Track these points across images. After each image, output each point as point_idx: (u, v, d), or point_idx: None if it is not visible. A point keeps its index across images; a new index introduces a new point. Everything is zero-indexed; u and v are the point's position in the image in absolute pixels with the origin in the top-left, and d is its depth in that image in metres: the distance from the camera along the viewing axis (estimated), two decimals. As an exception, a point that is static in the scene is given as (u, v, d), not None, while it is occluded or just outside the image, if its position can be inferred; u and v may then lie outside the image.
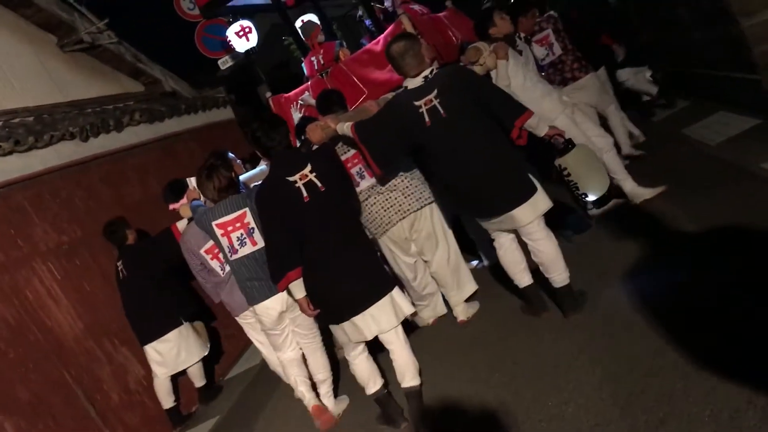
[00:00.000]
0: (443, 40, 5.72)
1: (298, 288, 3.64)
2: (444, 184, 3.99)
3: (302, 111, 5.77)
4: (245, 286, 4.17)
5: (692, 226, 4.17)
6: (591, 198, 3.93)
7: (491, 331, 4.35)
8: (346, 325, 3.64)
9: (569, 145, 3.76)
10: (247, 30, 7.11)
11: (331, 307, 3.66)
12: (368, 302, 3.57)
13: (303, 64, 6.37)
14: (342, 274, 3.56)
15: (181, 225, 5.02)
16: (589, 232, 4.96)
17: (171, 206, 5.08)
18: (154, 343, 5.34)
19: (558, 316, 3.94)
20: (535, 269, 4.03)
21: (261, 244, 4.01)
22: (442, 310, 4.91)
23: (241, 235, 4.08)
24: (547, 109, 4.60)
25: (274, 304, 4.14)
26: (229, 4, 6.64)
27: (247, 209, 4.08)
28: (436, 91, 3.61)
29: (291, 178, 3.56)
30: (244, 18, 7.03)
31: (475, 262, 5.42)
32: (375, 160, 3.83)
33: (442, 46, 5.63)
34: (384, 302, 3.60)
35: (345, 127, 3.88)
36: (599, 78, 5.95)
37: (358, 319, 3.59)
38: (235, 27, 7.04)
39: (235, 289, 4.44)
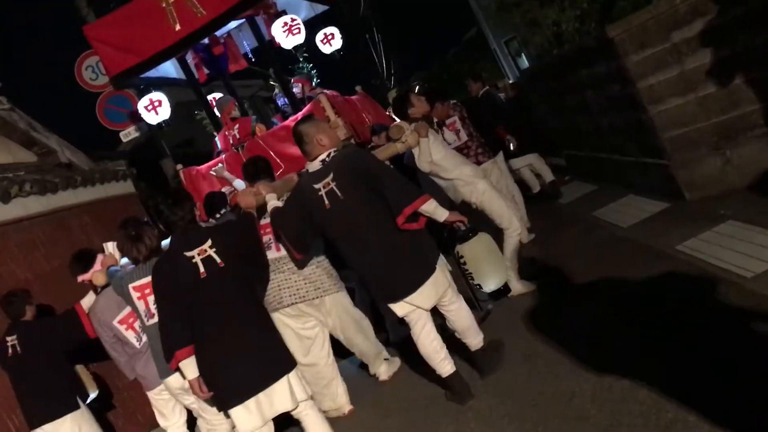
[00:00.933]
0: (358, 120, 6.03)
1: (190, 368, 3.47)
2: (350, 266, 3.99)
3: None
4: (158, 358, 3.98)
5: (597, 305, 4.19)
6: (485, 289, 3.94)
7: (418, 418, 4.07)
8: (238, 409, 3.46)
9: (470, 233, 3.78)
10: (156, 103, 6.65)
11: (222, 390, 3.49)
12: (261, 385, 3.44)
13: (216, 139, 6.44)
14: (234, 354, 3.44)
15: (86, 302, 4.77)
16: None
17: (80, 278, 4.81)
18: (46, 426, 4.78)
19: (484, 403, 3.75)
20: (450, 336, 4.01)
21: None
22: (343, 401, 4.60)
23: None
24: (467, 174, 4.80)
25: (175, 382, 4.05)
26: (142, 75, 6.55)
27: None
28: (332, 174, 3.65)
29: (189, 254, 3.51)
30: (155, 90, 6.79)
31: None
32: (293, 244, 3.91)
33: (358, 126, 5.96)
34: (280, 385, 3.48)
35: (270, 204, 3.98)
36: (498, 163, 6.30)
37: (250, 403, 3.44)
38: (144, 101, 6.66)
39: (150, 360, 4.29)
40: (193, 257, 3.49)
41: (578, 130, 7.53)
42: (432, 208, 3.60)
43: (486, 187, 4.83)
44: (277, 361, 3.54)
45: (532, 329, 4.32)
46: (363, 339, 4.66)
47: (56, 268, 6.23)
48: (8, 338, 4.87)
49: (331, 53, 7.06)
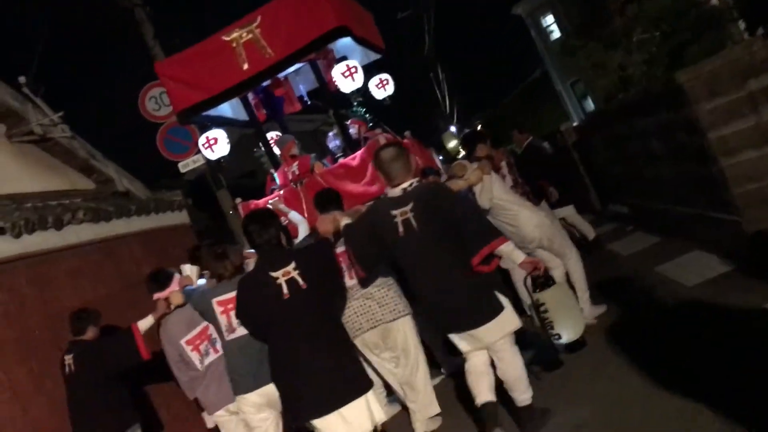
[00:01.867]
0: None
1: None
2: (413, 294, 4.07)
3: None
4: (238, 371, 4.13)
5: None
6: (563, 340, 3.88)
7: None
8: (316, 423, 3.56)
9: (549, 281, 3.77)
10: (212, 141, 6.91)
11: (300, 404, 3.61)
12: (338, 402, 3.51)
13: (273, 173, 6.73)
14: (313, 373, 3.53)
15: (143, 324, 4.84)
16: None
17: (156, 296, 4.88)
18: None
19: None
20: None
21: None
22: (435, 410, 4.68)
23: None
24: (529, 206, 5.17)
25: (262, 397, 4.09)
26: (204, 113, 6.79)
27: None
28: (412, 204, 3.69)
29: (274, 274, 3.62)
30: (215, 127, 7.01)
31: (439, 378, 5.27)
32: (359, 262, 3.99)
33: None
34: (358, 403, 3.54)
35: (343, 223, 4.13)
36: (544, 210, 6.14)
37: (329, 418, 3.51)
38: (202, 139, 6.93)
39: (212, 384, 4.45)
40: (277, 278, 3.60)
41: (642, 178, 7.18)
42: (509, 250, 3.66)
43: (547, 220, 5.13)
44: (355, 380, 3.61)
45: (584, 397, 4.05)
46: (420, 373, 4.64)
47: (102, 297, 6.24)
48: (66, 356, 4.92)
49: (383, 99, 7.26)
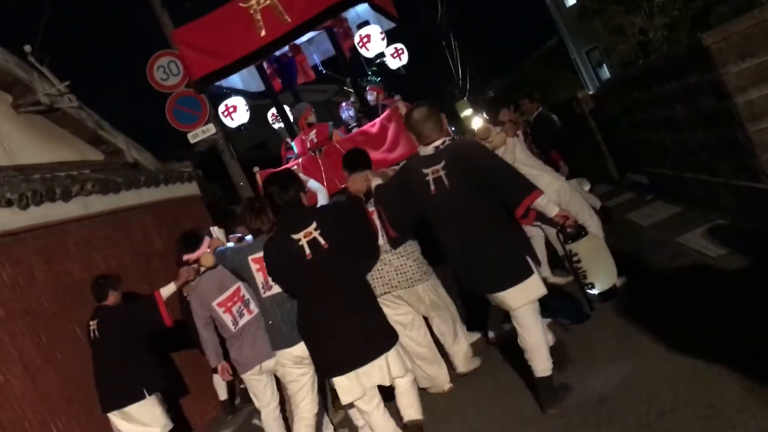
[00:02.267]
0: None
1: None
2: (444, 252, 4.00)
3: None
4: (275, 328, 4.15)
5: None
6: (597, 290, 3.80)
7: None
8: (339, 380, 3.67)
9: (582, 231, 3.74)
10: (231, 109, 7.14)
11: (327, 361, 3.74)
12: (362, 360, 3.61)
13: (292, 143, 6.73)
14: (339, 331, 3.62)
15: (165, 291, 4.86)
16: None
17: (186, 256, 4.89)
18: (115, 413, 4.93)
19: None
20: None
21: None
22: (441, 380, 4.80)
23: None
24: (549, 171, 5.42)
25: (299, 350, 4.06)
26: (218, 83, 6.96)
27: None
28: (444, 162, 3.67)
29: (295, 236, 3.66)
30: (234, 95, 7.22)
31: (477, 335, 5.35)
32: (390, 222, 4.06)
33: None
34: (378, 362, 3.64)
35: (374, 184, 4.18)
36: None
37: (351, 375, 3.62)
38: (221, 107, 7.17)
39: (245, 344, 4.51)
40: (299, 240, 3.64)
41: (664, 146, 6.96)
42: (545, 203, 3.62)
43: (567, 186, 5.31)
44: (376, 340, 3.68)
45: (607, 371, 3.94)
46: (443, 322, 4.75)
47: (113, 268, 6.19)
48: (91, 322, 5.00)
49: (398, 68, 7.40)
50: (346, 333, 3.62)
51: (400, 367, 3.73)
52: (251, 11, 6.13)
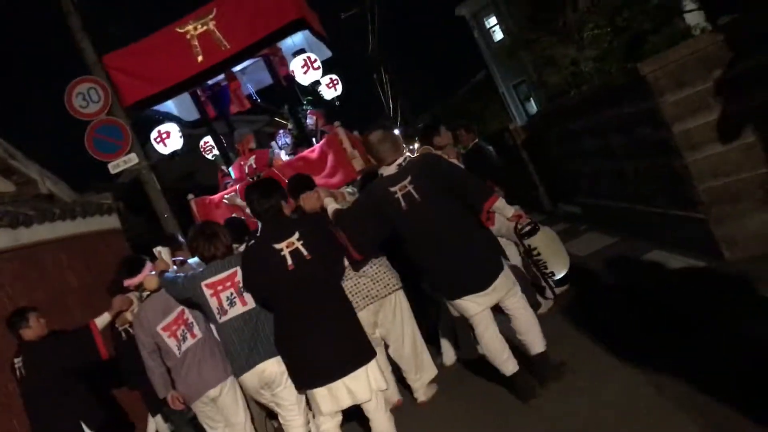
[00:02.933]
0: (367, 157, 6.19)
1: None
2: (422, 266, 4.10)
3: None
4: (234, 353, 4.03)
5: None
6: (558, 276, 4.11)
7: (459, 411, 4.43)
8: (319, 391, 3.63)
9: (536, 227, 3.97)
10: (164, 135, 7.16)
11: (307, 372, 3.69)
12: (343, 371, 3.58)
13: (230, 169, 6.78)
14: (320, 342, 3.60)
15: (100, 322, 4.75)
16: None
17: (127, 282, 4.84)
18: None
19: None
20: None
21: (251, 304, 3.97)
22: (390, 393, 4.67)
23: (231, 294, 4.00)
24: None
25: (257, 375, 3.97)
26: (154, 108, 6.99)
27: (238, 268, 4.00)
28: (409, 177, 3.83)
29: (277, 246, 3.64)
30: (167, 121, 7.25)
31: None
32: (354, 246, 3.99)
33: (366, 161, 6.19)
34: (359, 373, 3.60)
35: (330, 207, 4.14)
36: None
37: (332, 387, 3.60)
38: (154, 133, 7.17)
39: (191, 371, 4.35)
40: (281, 249, 3.63)
41: (598, 176, 6.98)
42: (502, 205, 3.85)
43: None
44: (358, 351, 3.67)
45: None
46: (410, 346, 4.70)
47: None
48: (15, 360, 4.71)
49: (333, 98, 7.53)
50: (327, 344, 3.60)
51: (381, 380, 3.73)
52: (188, 36, 6.16)
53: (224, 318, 4.01)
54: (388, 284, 4.54)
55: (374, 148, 4.00)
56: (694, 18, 6.13)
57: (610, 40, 7.02)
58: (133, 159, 8.79)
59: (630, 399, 3.50)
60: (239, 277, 3.98)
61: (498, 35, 22.95)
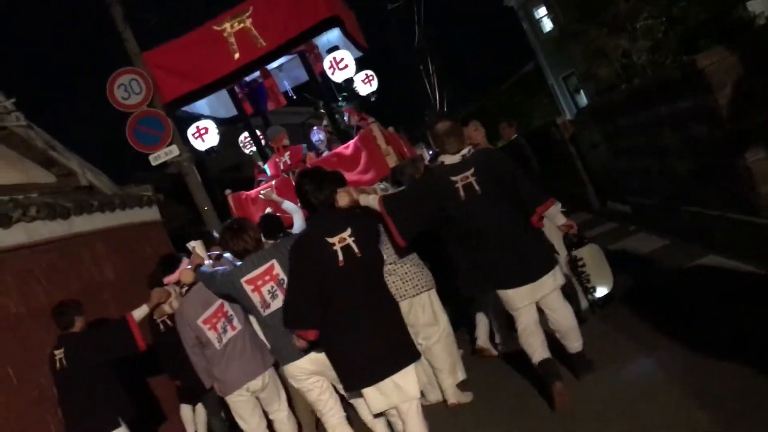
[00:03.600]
0: (401, 153, 6.41)
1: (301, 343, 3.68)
2: (472, 258, 4.12)
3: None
4: (280, 344, 4.02)
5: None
6: (599, 293, 4.22)
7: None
8: (369, 390, 3.56)
9: (584, 239, 4.11)
10: (203, 131, 7.15)
11: (355, 372, 3.59)
12: (392, 370, 3.52)
13: (265, 166, 6.79)
14: (368, 341, 3.54)
15: (138, 313, 4.78)
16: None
17: (166, 279, 4.95)
18: None
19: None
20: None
21: None
22: None
23: (272, 287, 4.01)
24: None
25: (312, 362, 3.97)
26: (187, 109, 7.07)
27: (275, 261, 4.03)
28: (473, 169, 3.87)
29: (330, 240, 3.55)
30: (204, 119, 7.25)
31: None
32: (400, 231, 3.99)
33: (400, 158, 6.24)
34: (408, 370, 3.56)
35: (370, 199, 4.07)
36: None
37: (382, 385, 3.53)
38: (192, 129, 7.17)
39: (231, 363, 4.42)
40: (333, 244, 3.53)
41: (649, 174, 6.63)
42: (555, 212, 4.02)
43: None
44: (406, 349, 3.63)
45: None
46: (443, 345, 4.69)
47: (56, 300, 5.63)
48: (56, 351, 4.71)
49: (368, 94, 7.41)
50: (376, 343, 3.55)
51: (423, 377, 3.76)
52: (225, 34, 6.19)
53: (268, 311, 4.03)
54: (417, 284, 4.54)
55: (440, 138, 4.03)
56: (758, 5, 5.72)
57: (664, 30, 6.66)
58: (174, 151, 8.77)
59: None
60: (277, 270, 4.02)
61: (547, 26, 22.46)
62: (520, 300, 3.98)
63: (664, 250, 6.20)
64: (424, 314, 4.61)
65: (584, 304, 4.88)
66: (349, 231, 3.58)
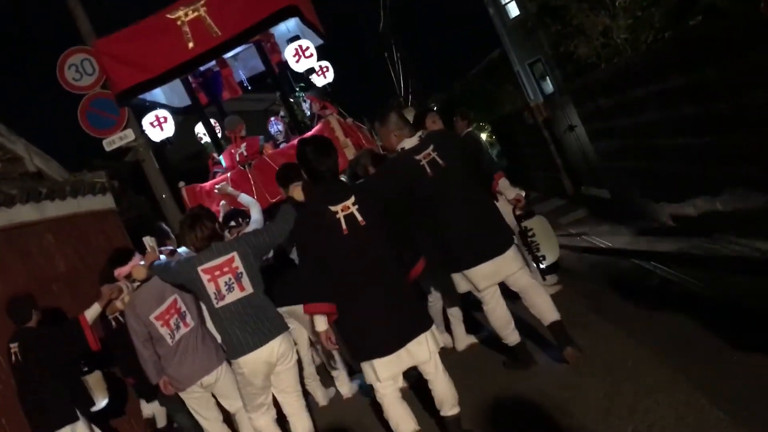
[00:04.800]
0: (359, 143, 6.30)
1: (322, 320, 3.59)
2: (440, 233, 4.05)
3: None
4: (231, 336, 3.97)
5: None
6: (546, 263, 4.62)
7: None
8: (377, 360, 3.50)
9: (532, 211, 4.39)
10: (162, 120, 6.78)
11: (365, 344, 3.54)
12: (402, 342, 3.47)
13: (220, 157, 6.62)
14: (377, 313, 3.46)
15: (90, 314, 4.71)
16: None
17: (117, 271, 4.75)
18: None
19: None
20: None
21: (249, 289, 3.96)
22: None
23: (229, 279, 3.95)
24: None
25: (264, 354, 3.97)
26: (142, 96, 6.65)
27: (235, 253, 3.97)
28: (432, 146, 3.97)
29: (333, 208, 3.50)
30: (160, 107, 6.85)
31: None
32: None
33: (359, 150, 6.06)
34: (419, 339, 3.50)
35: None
36: None
37: (393, 355, 3.48)
38: (150, 117, 6.74)
39: (185, 359, 4.38)
40: (336, 212, 3.48)
41: (628, 156, 6.37)
42: (507, 184, 4.28)
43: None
44: (417, 320, 3.56)
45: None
46: None
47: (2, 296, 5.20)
48: (11, 345, 4.73)
49: (324, 86, 7.33)
50: (385, 315, 3.47)
51: (436, 342, 3.60)
52: (179, 23, 5.99)
53: (221, 303, 3.96)
54: None
55: (395, 125, 4.12)
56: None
57: (645, 5, 6.40)
58: (129, 135, 8.31)
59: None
60: (237, 263, 3.95)
61: (513, 11, 22.20)
62: (485, 279, 4.01)
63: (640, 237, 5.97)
64: None
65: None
66: (353, 199, 3.51)
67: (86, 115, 8.31)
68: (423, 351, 3.54)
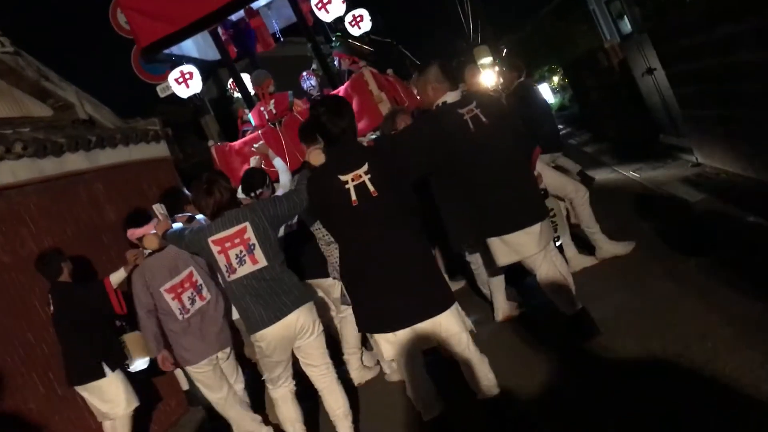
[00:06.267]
0: (398, 99, 5.99)
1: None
2: (474, 204, 3.82)
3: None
4: (246, 311, 3.75)
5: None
6: (559, 242, 4.75)
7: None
8: (383, 336, 3.38)
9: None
10: (187, 76, 6.64)
11: (371, 317, 3.38)
12: (411, 321, 3.27)
13: (249, 114, 6.38)
14: (386, 288, 3.27)
15: (115, 278, 4.73)
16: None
17: (131, 231, 4.63)
18: (78, 388, 4.82)
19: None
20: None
21: (263, 262, 3.67)
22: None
23: (240, 252, 3.67)
24: None
25: (280, 329, 3.73)
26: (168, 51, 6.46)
27: (248, 223, 3.68)
28: (475, 103, 3.75)
29: (342, 177, 3.26)
30: (188, 62, 6.73)
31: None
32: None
33: (397, 104, 5.80)
34: (434, 321, 3.28)
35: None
36: None
37: (396, 335, 3.32)
38: (175, 73, 6.63)
39: (195, 335, 4.30)
40: (346, 182, 3.24)
41: (720, 103, 5.74)
42: (537, 158, 4.30)
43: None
44: (430, 300, 3.30)
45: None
46: None
47: (46, 246, 5.18)
48: (50, 295, 4.81)
49: (360, 35, 7.26)
50: (395, 290, 3.25)
51: (460, 323, 3.37)
52: None
53: (233, 276, 3.71)
54: None
55: (434, 76, 3.83)
56: None
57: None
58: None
59: None
60: (249, 234, 3.68)
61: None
62: (531, 245, 3.75)
63: (734, 189, 5.39)
64: None
65: None
66: (366, 167, 3.24)
67: (139, 60, 8.16)
68: (438, 332, 3.34)
